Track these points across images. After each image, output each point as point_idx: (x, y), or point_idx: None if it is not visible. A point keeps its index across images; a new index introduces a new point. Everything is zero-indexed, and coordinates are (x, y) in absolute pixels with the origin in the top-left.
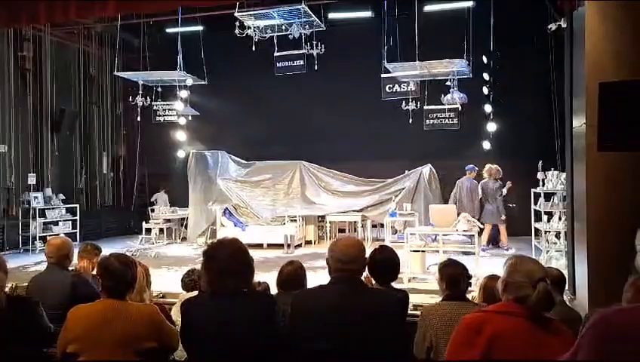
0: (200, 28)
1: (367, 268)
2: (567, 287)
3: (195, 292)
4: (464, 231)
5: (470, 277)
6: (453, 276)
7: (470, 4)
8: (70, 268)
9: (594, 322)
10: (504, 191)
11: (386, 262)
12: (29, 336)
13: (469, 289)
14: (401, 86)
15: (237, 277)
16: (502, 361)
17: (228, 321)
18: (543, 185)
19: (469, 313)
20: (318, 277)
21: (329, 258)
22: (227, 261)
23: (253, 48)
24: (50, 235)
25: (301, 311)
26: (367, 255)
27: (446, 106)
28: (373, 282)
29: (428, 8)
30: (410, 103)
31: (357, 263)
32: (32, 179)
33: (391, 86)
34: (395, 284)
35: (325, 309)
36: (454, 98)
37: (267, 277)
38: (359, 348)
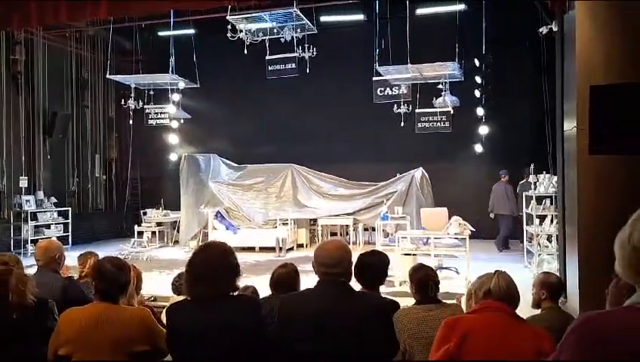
0: (192, 31)
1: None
2: None
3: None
4: (456, 234)
5: (438, 282)
6: (422, 280)
7: (462, 7)
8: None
9: (577, 324)
10: None
11: (374, 267)
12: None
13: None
14: (393, 89)
15: (220, 280)
16: None
17: (212, 326)
18: (535, 188)
19: (439, 315)
20: (310, 280)
21: (314, 262)
22: (209, 265)
23: (245, 51)
24: (41, 238)
25: (287, 314)
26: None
27: (438, 109)
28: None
29: (420, 11)
30: (402, 106)
31: (341, 266)
32: (23, 182)
33: (382, 89)
34: (386, 287)
35: (311, 312)
36: (446, 101)
37: (258, 281)
38: (346, 351)
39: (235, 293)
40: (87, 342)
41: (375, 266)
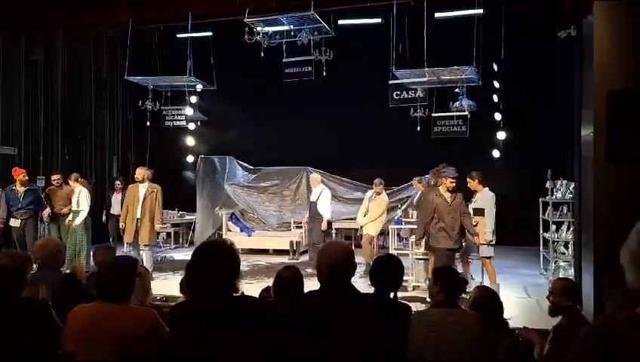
0: (210, 33)
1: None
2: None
3: None
4: None
5: (466, 283)
6: (446, 282)
7: (480, 11)
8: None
9: (593, 328)
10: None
11: (389, 272)
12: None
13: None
14: (409, 93)
15: (217, 283)
16: None
17: (210, 330)
18: (552, 194)
19: (456, 319)
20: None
21: (317, 265)
22: (204, 266)
23: (262, 54)
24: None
25: (292, 319)
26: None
27: (454, 114)
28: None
29: (438, 15)
30: (418, 110)
31: (345, 269)
32: (41, 183)
33: (399, 93)
34: (400, 292)
35: (316, 316)
36: (463, 105)
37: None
38: (350, 355)
39: (238, 295)
40: (87, 341)
41: (390, 271)
